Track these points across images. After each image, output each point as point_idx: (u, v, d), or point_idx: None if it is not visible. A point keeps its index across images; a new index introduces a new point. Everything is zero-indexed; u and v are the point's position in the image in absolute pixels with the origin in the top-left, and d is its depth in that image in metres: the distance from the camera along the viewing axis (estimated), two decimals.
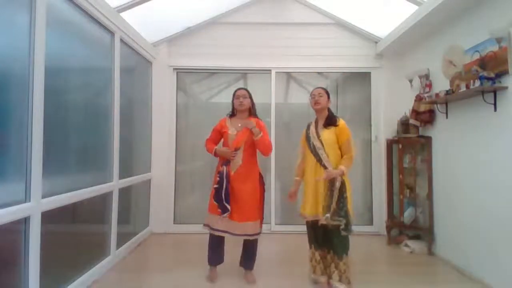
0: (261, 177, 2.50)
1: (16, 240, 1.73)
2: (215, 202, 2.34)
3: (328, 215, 2.17)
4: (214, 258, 2.50)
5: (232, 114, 2.56)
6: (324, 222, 2.19)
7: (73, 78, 2.33)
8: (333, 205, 2.17)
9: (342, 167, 2.21)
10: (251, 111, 2.53)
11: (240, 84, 4.09)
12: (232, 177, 2.36)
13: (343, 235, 2.20)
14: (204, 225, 2.47)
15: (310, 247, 2.41)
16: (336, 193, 2.18)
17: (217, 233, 2.39)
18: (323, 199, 2.23)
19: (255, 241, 2.45)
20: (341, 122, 2.32)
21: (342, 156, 2.28)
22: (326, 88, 2.44)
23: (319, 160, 2.27)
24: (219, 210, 2.32)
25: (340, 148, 2.29)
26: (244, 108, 2.48)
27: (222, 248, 2.51)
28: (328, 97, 2.38)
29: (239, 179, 2.37)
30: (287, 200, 2.52)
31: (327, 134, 2.29)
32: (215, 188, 2.35)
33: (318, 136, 2.31)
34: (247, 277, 2.47)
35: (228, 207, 2.30)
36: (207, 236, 2.48)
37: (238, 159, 2.38)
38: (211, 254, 2.50)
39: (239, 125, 2.45)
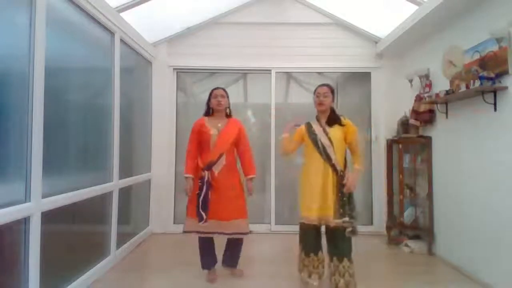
0: (240, 177, 2.53)
1: (16, 240, 1.73)
2: (196, 208, 2.32)
3: (346, 218, 2.13)
4: (208, 262, 2.49)
5: (208, 114, 2.52)
6: (334, 225, 2.14)
7: (73, 78, 2.33)
8: (347, 207, 2.15)
9: (359, 167, 2.22)
10: (227, 111, 2.53)
11: (240, 84, 4.10)
12: (217, 177, 2.36)
13: (348, 237, 2.16)
14: (186, 231, 2.39)
15: (308, 255, 2.29)
16: (346, 194, 2.16)
17: (206, 235, 2.37)
18: (334, 202, 2.16)
19: (242, 240, 2.48)
20: (348, 120, 2.30)
21: (352, 154, 2.28)
22: (331, 84, 2.36)
23: (327, 159, 2.20)
24: (197, 217, 2.31)
25: (349, 147, 2.28)
26: (222, 108, 2.47)
27: (213, 249, 2.52)
28: (333, 97, 2.32)
29: (223, 178, 2.38)
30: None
31: (335, 132, 2.24)
32: (197, 194, 2.33)
33: (326, 134, 2.24)
34: (235, 272, 2.53)
35: (204, 215, 2.29)
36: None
37: (222, 160, 2.40)
38: (205, 258, 2.48)
39: (219, 125, 2.45)
